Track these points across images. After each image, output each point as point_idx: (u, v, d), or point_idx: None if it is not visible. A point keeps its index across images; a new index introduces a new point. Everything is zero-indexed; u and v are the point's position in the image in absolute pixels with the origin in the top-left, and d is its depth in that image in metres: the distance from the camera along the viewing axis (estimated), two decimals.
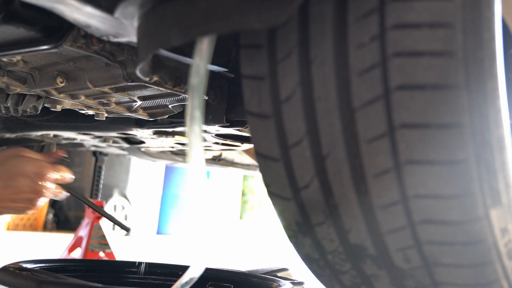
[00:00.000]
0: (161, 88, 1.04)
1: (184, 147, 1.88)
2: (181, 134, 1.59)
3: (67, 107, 1.30)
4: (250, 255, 5.36)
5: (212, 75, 1.12)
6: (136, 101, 1.22)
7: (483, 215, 0.64)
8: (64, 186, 1.12)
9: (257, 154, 0.75)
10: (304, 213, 0.75)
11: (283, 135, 0.71)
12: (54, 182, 1.09)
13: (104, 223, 2.92)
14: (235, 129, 1.24)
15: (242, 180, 9.85)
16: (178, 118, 1.34)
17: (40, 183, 1.05)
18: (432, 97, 0.59)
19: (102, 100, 1.24)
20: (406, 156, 0.62)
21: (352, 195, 0.68)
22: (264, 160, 0.75)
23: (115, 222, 1.25)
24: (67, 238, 3.94)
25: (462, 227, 0.64)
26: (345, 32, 0.63)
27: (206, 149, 1.78)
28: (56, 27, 0.88)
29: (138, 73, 0.83)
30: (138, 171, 6.36)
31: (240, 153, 2.21)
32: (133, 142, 1.92)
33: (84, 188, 5.21)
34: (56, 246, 3.99)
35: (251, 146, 1.60)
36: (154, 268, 1.21)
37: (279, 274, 1.37)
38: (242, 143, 1.51)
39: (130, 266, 1.22)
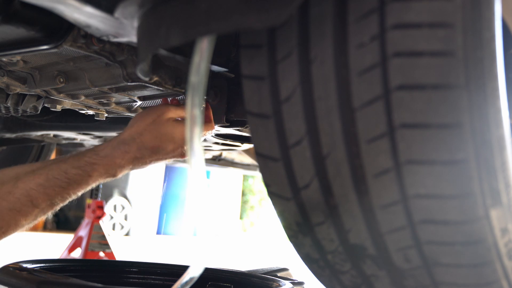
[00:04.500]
0: (161, 88, 1.04)
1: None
2: None
3: (67, 107, 1.30)
4: (250, 255, 5.36)
5: (212, 75, 1.12)
6: (136, 101, 1.22)
7: (483, 215, 0.64)
8: None
9: (257, 154, 0.75)
10: (304, 213, 0.75)
11: (283, 135, 0.71)
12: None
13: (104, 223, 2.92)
14: (235, 129, 1.24)
15: (242, 180, 9.86)
16: None
17: (186, 147, 1.10)
18: (432, 97, 0.59)
19: (102, 100, 1.24)
20: (406, 156, 0.62)
21: (352, 195, 0.68)
22: (264, 160, 0.75)
23: None
24: (67, 238, 3.94)
25: (462, 227, 0.64)
26: (345, 32, 0.63)
27: (206, 149, 1.78)
28: (56, 27, 0.88)
29: (138, 73, 0.83)
30: (138, 171, 6.38)
31: (240, 153, 2.21)
32: None
33: None
34: (56, 246, 3.99)
35: (251, 146, 1.60)
36: (154, 268, 1.21)
37: (279, 274, 1.37)
38: (242, 143, 1.51)
39: (130, 266, 1.22)
